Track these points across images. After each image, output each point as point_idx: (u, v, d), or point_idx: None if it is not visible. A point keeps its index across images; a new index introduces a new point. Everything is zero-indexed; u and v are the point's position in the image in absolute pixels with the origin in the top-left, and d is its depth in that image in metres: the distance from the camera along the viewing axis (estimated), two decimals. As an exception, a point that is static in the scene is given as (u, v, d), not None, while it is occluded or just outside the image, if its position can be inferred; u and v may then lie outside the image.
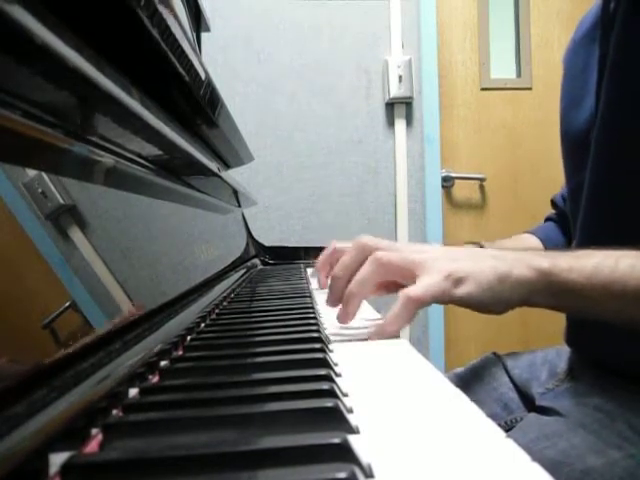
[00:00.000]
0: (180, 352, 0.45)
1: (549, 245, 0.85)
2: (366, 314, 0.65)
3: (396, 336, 0.50)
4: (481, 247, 0.75)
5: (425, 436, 0.27)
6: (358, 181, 1.96)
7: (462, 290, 0.49)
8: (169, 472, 0.23)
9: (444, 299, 0.49)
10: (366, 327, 0.57)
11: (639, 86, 0.61)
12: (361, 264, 0.53)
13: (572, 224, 0.76)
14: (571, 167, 0.77)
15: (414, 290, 0.48)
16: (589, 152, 0.67)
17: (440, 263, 0.50)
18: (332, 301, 0.57)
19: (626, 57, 0.62)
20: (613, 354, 0.68)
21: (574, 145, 0.74)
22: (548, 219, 0.95)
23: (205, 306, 0.63)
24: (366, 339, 0.51)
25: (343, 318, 0.54)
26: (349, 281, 0.53)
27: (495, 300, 0.50)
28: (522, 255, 0.52)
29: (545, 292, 0.50)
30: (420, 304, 0.48)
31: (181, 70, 0.54)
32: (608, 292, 0.49)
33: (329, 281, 0.60)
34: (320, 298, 0.76)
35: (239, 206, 1.16)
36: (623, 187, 0.64)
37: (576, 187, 0.72)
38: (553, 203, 0.94)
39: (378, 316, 0.65)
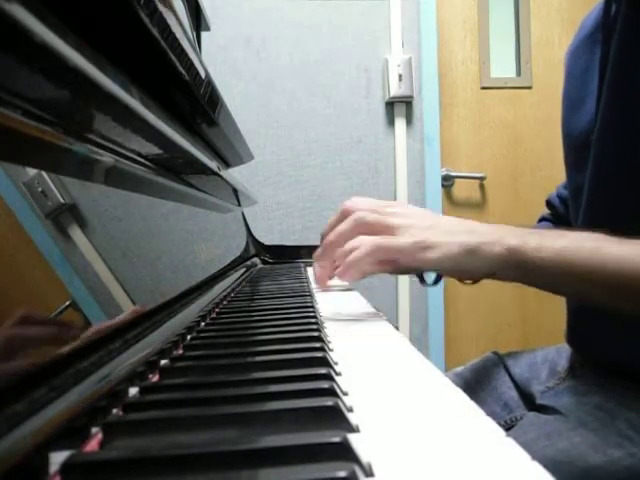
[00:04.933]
0: (180, 351, 0.45)
1: None
2: (364, 309, 0.66)
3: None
4: None
5: (425, 435, 0.27)
6: (358, 180, 1.96)
7: (427, 256, 0.53)
8: (169, 471, 0.23)
9: (409, 260, 0.54)
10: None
11: (639, 89, 0.61)
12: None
13: (573, 224, 0.76)
14: (572, 168, 0.77)
15: (384, 240, 0.54)
16: (590, 154, 0.67)
17: (413, 230, 0.55)
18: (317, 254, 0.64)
19: (627, 60, 0.62)
20: (614, 353, 0.69)
21: (575, 147, 0.75)
22: (543, 219, 0.94)
23: (205, 305, 0.63)
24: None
25: (324, 283, 0.65)
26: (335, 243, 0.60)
27: (460, 270, 0.54)
28: (495, 230, 0.54)
29: (513, 268, 0.53)
30: (386, 252, 0.54)
31: (181, 69, 0.54)
32: (572, 273, 0.51)
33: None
34: (320, 297, 0.76)
35: (239, 205, 1.16)
36: (622, 189, 0.64)
37: (577, 188, 0.72)
38: (548, 203, 0.94)
39: (373, 311, 0.65)
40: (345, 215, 0.60)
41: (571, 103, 0.77)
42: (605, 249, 0.50)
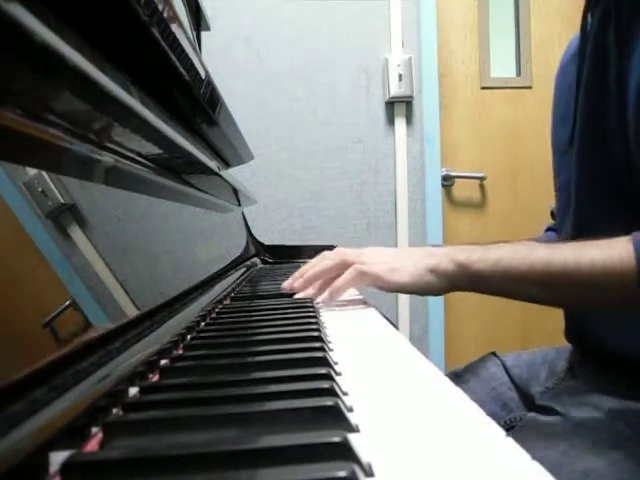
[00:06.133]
0: (180, 351, 0.45)
1: None
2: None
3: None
4: None
5: (425, 435, 0.27)
6: (358, 180, 1.96)
7: (397, 277, 0.64)
8: (169, 471, 0.23)
9: (383, 282, 0.65)
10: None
11: (606, 106, 0.66)
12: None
13: (562, 215, 0.80)
14: (561, 167, 0.84)
15: (363, 266, 0.66)
16: (573, 156, 0.74)
17: (385, 263, 0.66)
18: (295, 280, 0.74)
19: (595, 77, 0.68)
20: (612, 345, 0.69)
21: (561, 152, 0.82)
22: (549, 229, 0.99)
23: (205, 305, 0.63)
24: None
25: (296, 288, 0.73)
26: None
27: (427, 286, 0.64)
28: (449, 250, 0.65)
29: (464, 279, 0.63)
30: (362, 275, 0.66)
31: (181, 69, 0.54)
32: (509, 277, 0.60)
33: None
34: (320, 298, 0.76)
35: (239, 205, 1.16)
36: (602, 182, 0.69)
37: (566, 180, 0.77)
38: (553, 214, 0.98)
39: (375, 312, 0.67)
40: (325, 257, 0.73)
41: (559, 117, 0.86)
42: (533, 254, 0.59)
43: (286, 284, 0.75)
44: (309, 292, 0.72)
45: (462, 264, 0.62)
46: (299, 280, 0.73)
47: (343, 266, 0.69)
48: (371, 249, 0.72)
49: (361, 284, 0.69)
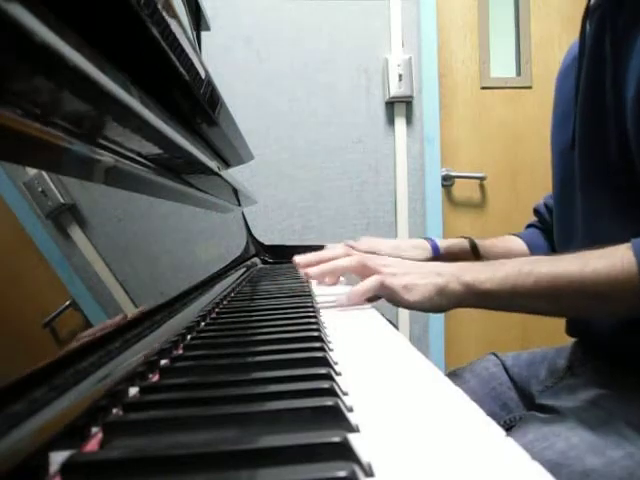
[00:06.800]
0: (180, 351, 0.45)
1: (533, 248, 0.96)
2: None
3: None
4: (473, 244, 0.92)
5: (425, 435, 0.27)
6: (358, 180, 1.96)
7: (410, 297, 0.65)
8: (169, 471, 0.23)
9: (396, 299, 0.66)
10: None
11: (603, 110, 0.67)
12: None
13: (561, 209, 0.83)
14: (560, 166, 0.86)
15: (386, 278, 0.67)
16: (574, 155, 0.76)
17: (397, 276, 0.67)
18: (309, 263, 0.77)
19: (593, 83, 0.69)
20: (612, 336, 0.70)
21: (561, 152, 0.84)
22: (531, 226, 1.02)
23: (205, 305, 0.63)
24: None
25: (311, 275, 0.75)
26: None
27: (433, 306, 0.66)
28: (457, 271, 0.66)
29: (470, 299, 0.65)
30: (382, 287, 0.66)
31: (181, 69, 0.54)
32: (516, 294, 0.62)
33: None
34: (320, 298, 0.76)
35: (239, 205, 1.16)
36: (604, 180, 0.70)
37: (566, 177, 0.80)
38: (536, 211, 1.01)
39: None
40: (349, 251, 0.76)
41: (559, 119, 0.88)
42: (537, 269, 0.61)
43: (300, 261, 0.78)
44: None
45: (469, 285, 0.64)
46: (315, 270, 0.75)
47: (361, 270, 0.71)
48: (386, 260, 0.72)
49: (378, 293, 0.69)
